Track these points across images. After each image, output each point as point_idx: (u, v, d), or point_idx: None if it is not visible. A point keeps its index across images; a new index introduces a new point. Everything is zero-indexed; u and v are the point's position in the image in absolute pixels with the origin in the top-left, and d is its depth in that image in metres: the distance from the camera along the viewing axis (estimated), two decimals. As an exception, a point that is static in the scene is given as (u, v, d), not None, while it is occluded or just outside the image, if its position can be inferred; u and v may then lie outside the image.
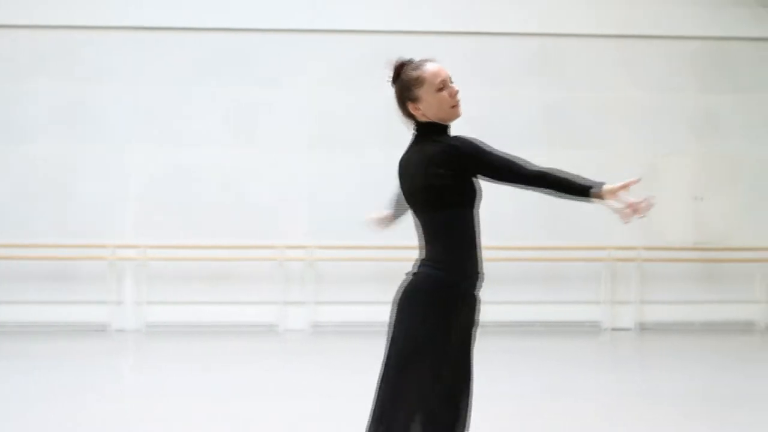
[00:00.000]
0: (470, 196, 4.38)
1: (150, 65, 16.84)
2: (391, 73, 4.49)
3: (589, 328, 16.47)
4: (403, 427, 4.28)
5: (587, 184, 4.28)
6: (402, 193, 4.56)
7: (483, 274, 4.44)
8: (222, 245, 16.42)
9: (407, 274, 4.43)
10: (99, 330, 16.08)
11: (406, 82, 4.43)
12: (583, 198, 4.19)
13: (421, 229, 4.42)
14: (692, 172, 17.51)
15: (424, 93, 4.39)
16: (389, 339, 4.39)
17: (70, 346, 14.29)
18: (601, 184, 4.13)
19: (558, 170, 4.30)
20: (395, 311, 4.36)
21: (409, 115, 4.47)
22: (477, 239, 4.42)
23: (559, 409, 9.28)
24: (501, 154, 4.29)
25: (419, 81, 4.39)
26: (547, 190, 4.47)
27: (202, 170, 16.75)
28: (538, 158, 17.21)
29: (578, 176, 4.24)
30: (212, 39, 16.93)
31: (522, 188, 4.35)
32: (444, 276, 4.29)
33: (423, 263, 4.36)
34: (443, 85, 4.41)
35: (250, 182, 16.81)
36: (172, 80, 16.81)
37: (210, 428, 8.27)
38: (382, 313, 17.31)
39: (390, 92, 14.80)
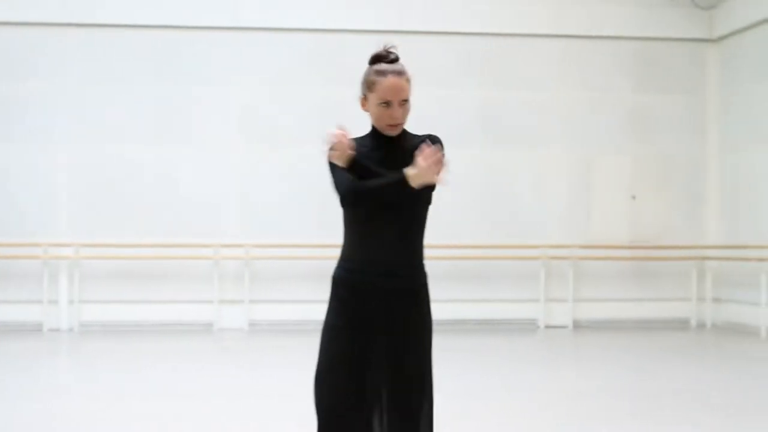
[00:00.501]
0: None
1: (80, 62, 16.64)
2: (373, 55, 4.43)
3: (526, 326, 16.55)
4: None
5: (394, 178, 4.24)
6: None
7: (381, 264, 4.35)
8: (157, 244, 16.29)
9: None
10: (33, 330, 15.88)
11: (365, 77, 4.39)
12: (405, 186, 4.19)
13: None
14: (627, 172, 17.67)
15: (371, 98, 4.36)
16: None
17: (3, 346, 14.08)
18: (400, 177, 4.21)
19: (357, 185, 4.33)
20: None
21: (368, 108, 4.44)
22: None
23: (496, 406, 9.30)
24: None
25: (371, 86, 4.35)
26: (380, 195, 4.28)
27: (135, 168, 16.59)
28: (475, 157, 17.44)
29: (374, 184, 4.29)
30: (144, 36, 16.78)
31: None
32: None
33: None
34: (388, 104, 4.34)
35: (184, 180, 16.69)
36: (104, 77, 16.63)
37: (139, 427, 8.17)
38: (317, 311, 17.31)
39: (323, 91, 14.73)
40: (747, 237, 16.59)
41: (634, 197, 17.60)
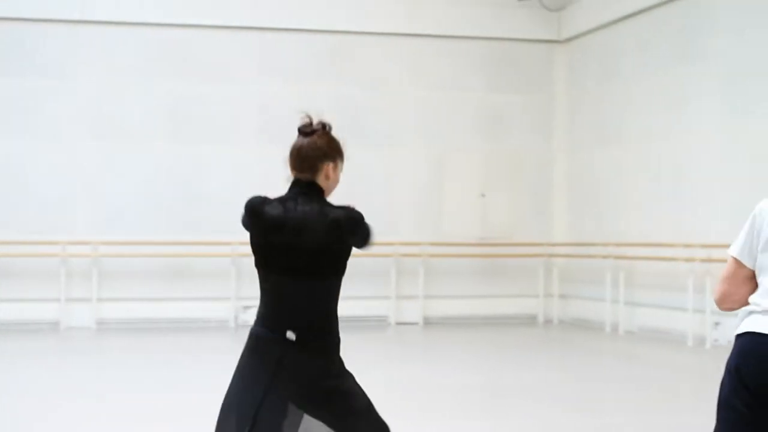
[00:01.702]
0: None
1: (93, 59, 16.48)
2: (320, 123, 4.58)
3: (377, 323, 16.62)
4: None
5: None
6: (269, 238, 4.36)
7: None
8: (6, 241, 15.83)
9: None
10: None
11: (339, 147, 4.55)
12: None
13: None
14: (478, 170, 17.89)
15: (341, 166, 4.54)
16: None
17: None
18: None
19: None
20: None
21: (312, 169, 4.47)
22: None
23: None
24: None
25: (342, 156, 4.56)
26: None
27: (-21, 162, 16.12)
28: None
29: None
30: (158, 33, 16.81)
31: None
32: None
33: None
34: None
35: (32, 175, 16.26)
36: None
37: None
38: (168, 309, 17.10)
39: (180, 87, 14.46)
40: (592, 235, 16.97)
41: (483, 195, 17.83)
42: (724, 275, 3.84)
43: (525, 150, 18.15)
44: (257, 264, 4.36)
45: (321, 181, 4.47)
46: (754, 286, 3.75)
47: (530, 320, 17.55)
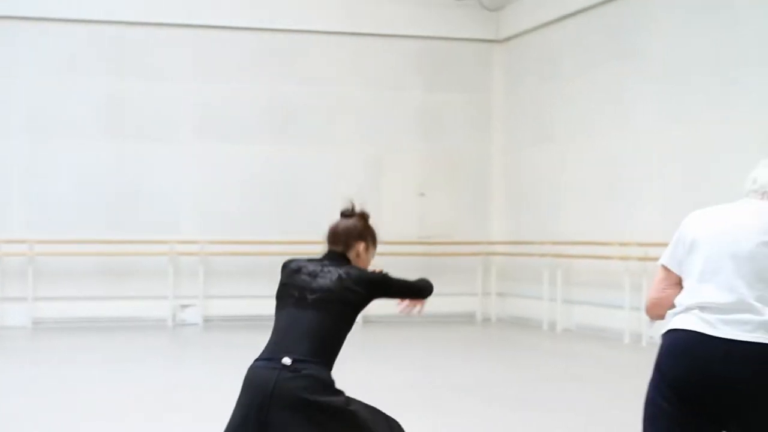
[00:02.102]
0: None
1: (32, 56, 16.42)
2: (361, 211, 5.11)
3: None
4: None
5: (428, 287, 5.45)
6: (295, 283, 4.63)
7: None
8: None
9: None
10: None
11: (374, 232, 5.03)
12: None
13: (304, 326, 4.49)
14: (416, 169, 17.94)
15: (371, 250, 4.99)
16: None
17: None
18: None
19: (414, 281, 5.31)
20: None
21: (345, 245, 4.88)
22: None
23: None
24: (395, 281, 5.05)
25: (375, 242, 5.04)
26: (423, 295, 5.37)
27: None
28: (266, 153, 17.17)
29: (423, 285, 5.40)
30: (93, 30, 16.70)
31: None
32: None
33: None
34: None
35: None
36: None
37: None
38: (105, 308, 16.92)
39: (117, 84, 14.23)
40: (530, 233, 17.07)
41: (422, 194, 17.87)
42: (654, 284, 4.03)
43: (463, 149, 18.22)
44: (276, 308, 4.64)
45: (352, 256, 4.85)
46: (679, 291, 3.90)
47: (468, 318, 17.63)
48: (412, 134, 17.92)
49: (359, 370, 12.15)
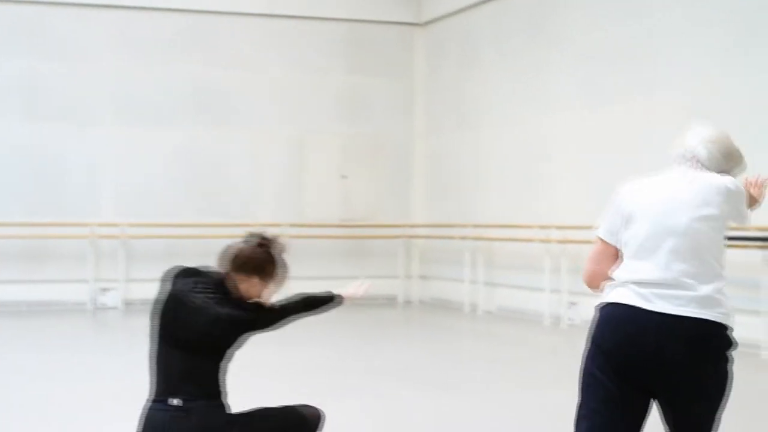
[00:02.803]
0: None
1: None
2: (269, 242, 4.69)
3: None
4: None
5: (334, 295, 5.20)
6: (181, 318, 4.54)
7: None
8: None
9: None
10: None
11: (276, 270, 4.69)
12: (337, 304, 5.18)
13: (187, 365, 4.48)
14: (338, 151, 17.92)
15: (270, 287, 4.67)
16: None
17: None
18: (338, 295, 5.17)
19: (311, 294, 5.08)
20: None
21: (241, 274, 4.59)
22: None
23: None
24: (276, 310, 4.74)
25: (279, 282, 4.73)
26: (314, 311, 5.10)
27: None
28: (187, 136, 17.08)
29: (324, 292, 5.15)
30: (16, 9, 16.35)
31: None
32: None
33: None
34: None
35: None
36: None
37: None
38: (24, 292, 16.63)
39: (34, 64, 14.03)
40: (452, 216, 17.16)
41: (344, 177, 17.87)
42: (591, 255, 4.04)
43: (386, 132, 18.25)
44: (151, 332, 4.56)
45: (244, 291, 4.60)
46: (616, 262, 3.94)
47: (390, 301, 17.67)
48: (334, 117, 17.90)
49: (279, 354, 12.16)
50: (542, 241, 14.36)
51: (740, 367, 9.96)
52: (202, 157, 16.99)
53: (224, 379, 4.56)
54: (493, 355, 12.03)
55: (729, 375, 3.82)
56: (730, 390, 3.83)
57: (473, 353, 12.53)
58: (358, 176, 17.98)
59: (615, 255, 3.93)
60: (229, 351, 4.54)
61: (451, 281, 17.05)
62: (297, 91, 17.68)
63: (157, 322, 4.54)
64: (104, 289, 16.27)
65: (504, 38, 16.13)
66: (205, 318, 4.44)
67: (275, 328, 4.71)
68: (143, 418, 4.47)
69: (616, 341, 3.75)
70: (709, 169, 3.92)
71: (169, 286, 4.58)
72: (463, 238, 16.44)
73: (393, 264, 17.76)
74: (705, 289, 3.73)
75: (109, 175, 16.68)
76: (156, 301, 4.60)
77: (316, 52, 17.82)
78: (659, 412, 3.84)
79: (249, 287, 4.59)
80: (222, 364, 4.54)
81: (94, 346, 13.00)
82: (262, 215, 17.03)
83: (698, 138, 3.98)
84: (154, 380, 4.50)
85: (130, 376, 9.70)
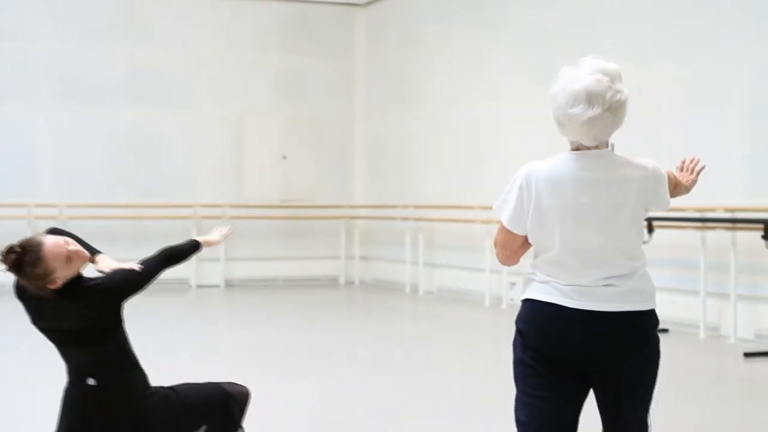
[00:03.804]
0: None
1: None
2: (8, 266, 4.24)
3: (178, 286, 16.40)
4: None
5: (193, 242, 4.91)
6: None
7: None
8: None
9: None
10: None
11: (40, 274, 4.24)
12: (197, 251, 4.92)
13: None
14: (279, 132, 17.86)
15: (60, 271, 4.27)
16: None
17: None
18: (198, 241, 4.91)
19: (170, 246, 4.76)
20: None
21: (52, 283, 4.30)
22: None
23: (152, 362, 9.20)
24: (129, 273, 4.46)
25: (50, 270, 4.24)
26: (179, 260, 4.81)
27: None
28: (124, 116, 16.92)
29: (185, 242, 4.85)
30: None
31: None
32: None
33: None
34: (69, 258, 4.31)
35: None
36: None
37: None
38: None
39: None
40: (393, 197, 17.17)
41: (285, 157, 17.81)
42: (500, 241, 3.93)
43: (326, 113, 18.21)
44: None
45: (58, 285, 4.31)
46: (529, 246, 3.89)
47: (332, 282, 17.68)
48: (273, 97, 17.82)
49: (219, 333, 12.14)
50: (483, 221, 14.41)
51: (679, 347, 10.12)
52: (141, 137, 16.83)
53: (131, 351, 4.48)
54: (434, 335, 12.08)
55: (658, 355, 3.82)
56: (658, 368, 3.83)
57: (414, 333, 12.58)
58: (298, 157, 17.93)
59: (525, 241, 3.86)
60: (116, 325, 4.41)
61: (393, 262, 17.09)
62: (236, 71, 17.58)
63: (43, 332, 4.47)
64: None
65: (445, 19, 16.14)
66: (69, 318, 4.32)
67: (145, 286, 4.49)
68: (61, 400, 4.42)
69: (541, 339, 3.75)
70: (605, 143, 3.76)
71: (25, 301, 4.46)
72: (405, 218, 16.46)
73: (334, 245, 17.76)
74: (627, 284, 3.72)
75: (47, 155, 16.48)
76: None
77: (256, 32, 17.72)
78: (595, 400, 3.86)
79: (60, 282, 4.31)
80: (120, 339, 4.43)
81: (29, 327, 12.84)
82: (201, 196, 16.96)
83: (580, 110, 3.67)
84: (67, 368, 4.45)
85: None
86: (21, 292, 4.41)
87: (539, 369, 3.76)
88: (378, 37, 18.03)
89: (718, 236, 11.00)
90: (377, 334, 12.05)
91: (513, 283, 13.97)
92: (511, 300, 13.99)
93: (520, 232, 3.84)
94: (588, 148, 3.75)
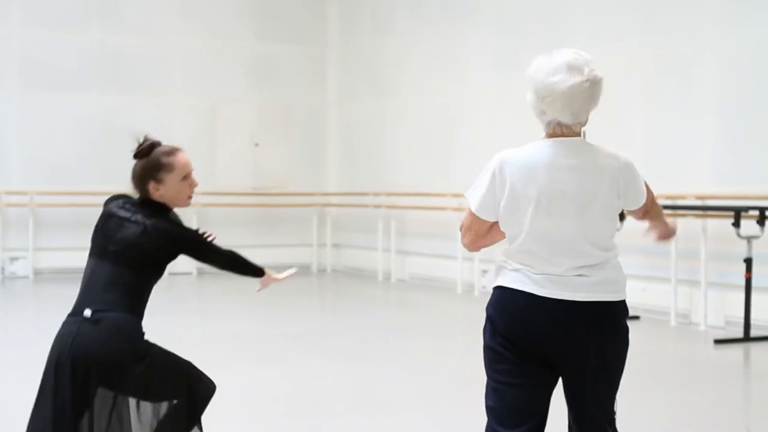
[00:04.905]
0: None
1: None
2: (138, 149, 4.57)
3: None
4: None
5: (259, 268, 4.95)
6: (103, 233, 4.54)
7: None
8: None
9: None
10: None
11: (155, 164, 4.56)
12: (256, 275, 4.99)
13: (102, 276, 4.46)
14: (250, 119, 17.82)
15: (170, 179, 4.57)
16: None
17: None
18: (263, 269, 4.96)
19: (238, 253, 4.83)
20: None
21: (143, 189, 4.58)
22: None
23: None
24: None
25: (169, 167, 4.57)
26: (237, 269, 4.90)
27: None
28: (94, 103, 16.86)
29: (250, 260, 4.92)
30: None
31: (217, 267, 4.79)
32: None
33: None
34: (188, 177, 4.64)
35: None
36: None
37: None
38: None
39: None
40: (365, 185, 17.17)
41: (257, 145, 17.78)
42: (467, 225, 3.94)
43: (298, 100, 18.17)
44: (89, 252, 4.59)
45: (156, 198, 4.60)
46: (498, 231, 3.89)
47: (304, 269, 17.66)
48: (245, 84, 17.77)
49: (191, 321, 12.13)
50: (455, 209, 14.43)
51: (650, 334, 10.20)
52: (112, 124, 16.73)
53: (144, 302, 4.55)
54: (406, 322, 12.09)
55: (627, 345, 3.84)
56: (626, 357, 3.85)
57: (386, 321, 12.59)
58: (270, 144, 17.90)
59: (493, 226, 3.88)
60: (154, 267, 4.53)
61: (365, 249, 17.10)
62: (208, 58, 17.51)
63: (93, 241, 4.57)
64: (13, 258, 16.01)
65: (417, 6, 16.13)
66: (133, 228, 4.46)
67: (198, 259, 4.68)
68: (57, 333, 4.43)
69: (512, 327, 3.76)
70: (580, 125, 3.77)
71: (103, 209, 4.62)
72: (377, 206, 16.47)
73: (306, 232, 17.74)
74: (598, 274, 3.74)
75: (16, 141, 16.38)
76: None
77: (227, 18, 17.66)
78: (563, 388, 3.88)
79: (160, 194, 4.57)
80: (145, 281, 4.53)
81: (2, 315, 12.81)
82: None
83: (560, 78, 3.68)
84: (77, 296, 4.49)
85: (38, 345, 9.62)
86: (113, 198, 4.66)
87: (508, 356, 3.77)
88: (350, 23, 18.00)
89: (688, 224, 11.05)
90: (349, 321, 12.05)
91: (485, 271, 14.00)
92: (483, 287, 14.02)
93: (487, 218, 3.85)
94: (563, 132, 3.75)
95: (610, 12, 12.46)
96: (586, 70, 3.69)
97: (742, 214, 10.13)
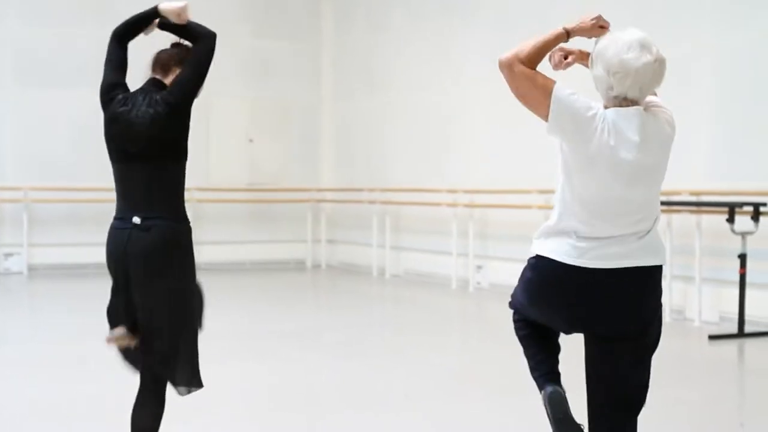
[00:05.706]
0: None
1: None
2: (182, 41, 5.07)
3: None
4: None
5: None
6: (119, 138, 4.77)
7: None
8: None
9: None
10: None
11: (180, 59, 5.20)
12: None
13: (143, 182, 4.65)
14: (245, 115, 17.80)
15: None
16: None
17: None
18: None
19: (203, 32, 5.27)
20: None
21: (164, 71, 5.09)
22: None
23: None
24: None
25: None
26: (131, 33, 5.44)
27: None
28: (89, 98, 16.69)
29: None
30: None
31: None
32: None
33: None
34: None
35: None
36: None
37: None
38: None
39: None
40: (360, 180, 17.16)
41: (251, 140, 17.77)
42: (527, 73, 4.34)
43: (293, 96, 18.16)
44: (109, 156, 4.86)
45: (168, 82, 4.96)
46: (540, 85, 4.13)
47: (299, 265, 17.67)
48: (240, 80, 17.74)
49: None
50: (450, 205, 14.44)
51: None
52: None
53: (183, 193, 4.88)
54: (400, 318, 12.10)
55: (661, 309, 3.95)
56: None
57: (381, 317, 12.59)
58: (265, 140, 17.89)
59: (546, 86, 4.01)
60: (177, 146, 4.88)
61: (359, 245, 17.09)
62: (203, 53, 17.45)
63: (109, 146, 4.83)
64: (8, 254, 15.99)
65: (413, 3, 16.12)
66: (142, 119, 4.71)
67: (206, 63, 5.29)
68: (108, 236, 4.61)
69: (554, 303, 3.86)
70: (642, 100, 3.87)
71: (105, 113, 4.94)
72: (372, 202, 16.46)
73: (301, 228, 17.73)
74: (646, 238, 3.82)
75: (12, 137, 16.36)
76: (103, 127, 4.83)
77: (222, 15, 17.58)
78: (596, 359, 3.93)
79: (170, 80, 4.91)
80: (177, 168, 4.89)
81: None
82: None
83: (635, 55, 3.82)
84: (118, 199, 4.68)
85: (34, 341, 9.60)
86: (107, 97, 5.05)
87: (545, 308, 3.93)
88: (345, 20, 17.98)
89: (683, 219, 11.06)
90: (344, 317, 12.05)
91: (480, 267, 14.01)
92: (478, 283, 14.03)
93: (553, 111, 3.90)
94: (628, 104, 3.82)
95: (606, 11, 12.40)
96: (654, 50, 3.83)
97: (737, 209, 10.14)
